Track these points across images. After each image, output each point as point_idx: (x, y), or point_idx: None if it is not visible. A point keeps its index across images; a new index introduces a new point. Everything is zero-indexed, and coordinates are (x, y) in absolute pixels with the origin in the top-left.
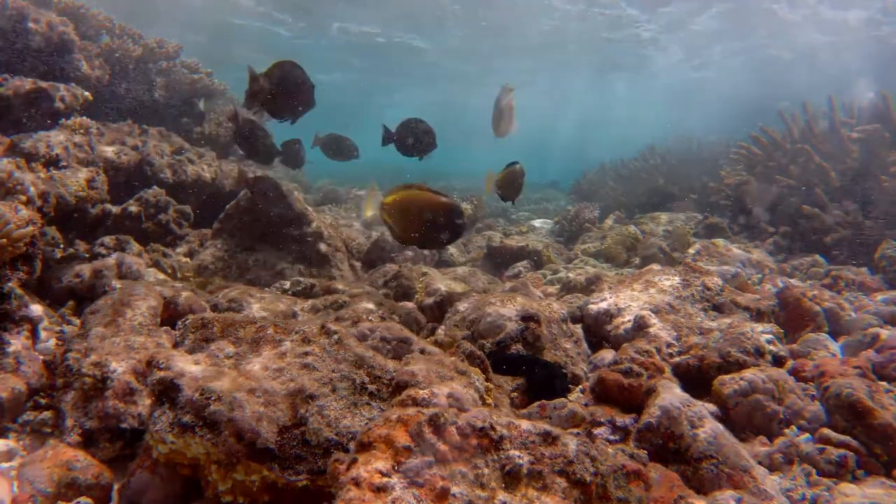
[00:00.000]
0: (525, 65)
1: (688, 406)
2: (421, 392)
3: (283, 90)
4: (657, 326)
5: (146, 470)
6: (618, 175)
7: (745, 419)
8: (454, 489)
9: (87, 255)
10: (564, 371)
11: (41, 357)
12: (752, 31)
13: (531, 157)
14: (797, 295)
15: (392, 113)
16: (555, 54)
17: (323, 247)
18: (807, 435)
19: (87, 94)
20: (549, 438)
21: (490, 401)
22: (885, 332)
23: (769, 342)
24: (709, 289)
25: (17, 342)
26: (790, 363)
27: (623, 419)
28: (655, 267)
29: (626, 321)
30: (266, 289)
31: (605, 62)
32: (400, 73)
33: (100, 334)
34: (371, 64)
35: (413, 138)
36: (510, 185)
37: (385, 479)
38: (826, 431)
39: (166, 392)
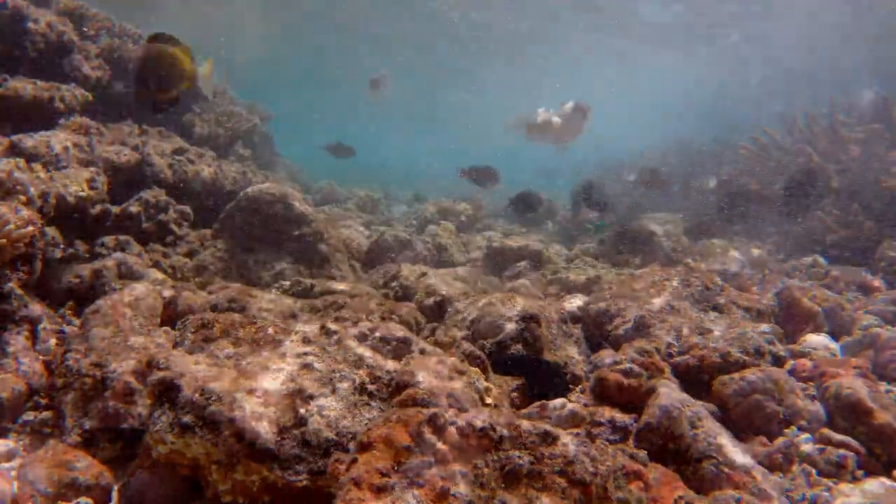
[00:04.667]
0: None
1: (688, 406)
2: (421, 392)
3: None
4: (657, 327)
5: (146, 470)
6: (617, 175)
7: (745, 419)
8: (454, 489)
9: (87, 256)
10: (564, 371)
11: (41, 357)
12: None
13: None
14: (797, 295)
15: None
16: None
17: (323, 247)
18: (807, 435)
19: (87, 94)
20: (548, 438)
21: (490, 401)
22: (885, 332)
23: (769, 342)
24: (709, 289)
25: (17, 342)
26: (790, 363)
27: (623, 419)
28: (655, 267)
29: (626, 321)
30: (266, 289)
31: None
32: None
33: (100, 335)
34: None
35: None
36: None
37: (385, 480)
38: (826, 431)
39: (166, 392)
